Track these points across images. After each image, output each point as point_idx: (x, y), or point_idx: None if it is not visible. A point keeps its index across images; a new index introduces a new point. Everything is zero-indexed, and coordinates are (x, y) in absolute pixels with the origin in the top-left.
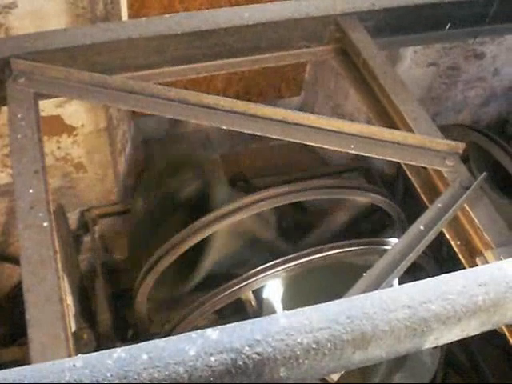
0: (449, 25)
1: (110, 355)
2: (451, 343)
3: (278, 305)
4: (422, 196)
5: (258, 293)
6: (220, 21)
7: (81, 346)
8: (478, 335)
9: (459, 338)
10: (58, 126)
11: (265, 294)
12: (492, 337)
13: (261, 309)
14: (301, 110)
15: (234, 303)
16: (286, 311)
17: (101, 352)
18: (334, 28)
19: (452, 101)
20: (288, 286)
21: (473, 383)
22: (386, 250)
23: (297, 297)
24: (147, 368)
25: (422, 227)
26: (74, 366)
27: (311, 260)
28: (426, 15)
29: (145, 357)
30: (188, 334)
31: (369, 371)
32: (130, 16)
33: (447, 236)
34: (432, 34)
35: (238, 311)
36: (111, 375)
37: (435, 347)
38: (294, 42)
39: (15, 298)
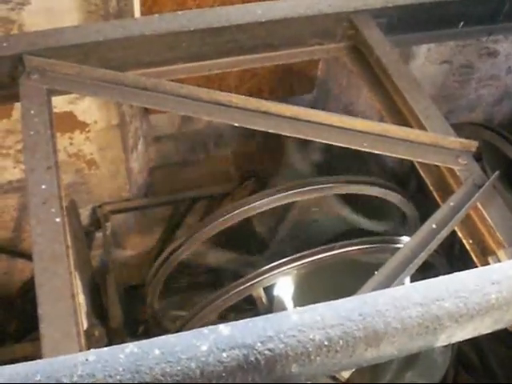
0: (462, 22)
1: (122, 350)
2: (462, 342)
3: (288, 302)
4: (435, 194)
5: (268, 290)
6: (232, 18)
7: (92, 342)
8: (489, 334)
9: (472, 336)
10: (71, 123)
11: (276, 292)
12: (503, 336)
13: (272, 306)
14: (313, 107)
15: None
16: (298, 308)
17: (113, 347)
18: (346, 25)
19: (465, 99)
20: (299, 283)
21: (483, 383)
22: (397, 248)
23: (307, 294)
24: (159, 363)
25: (434, 225)
26: (86, 360)
27: (322, 258)
28: (439, 13)
29: (157, 352)
30: (200, 329)
31: (379, 369)
32: (143, 13)
33: (459, 235)
34: (445, 32)
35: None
36: (123, 369)
37: (446, 346)
38: (307, 40)
39: (27, 293)
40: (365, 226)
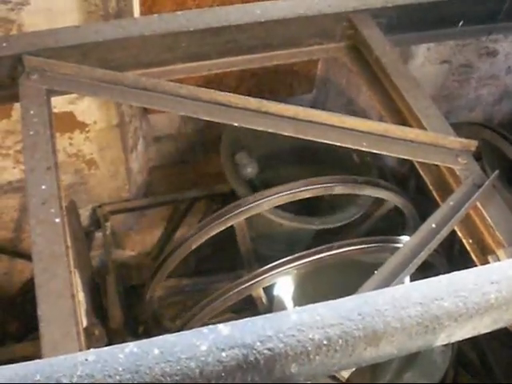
0: (462, 22)
1: (122, 350)
2: (462, 342)
3: (288, 302)
4: (434, 194)
5: (268, 290)
6: (232, 18)
7: (92, 342)
8: (488, 333)
9: (471, 335)
10: (71, 123)
11: (275, 291)
12: (503, 335)
13: (271, 306)
14: (313, 106)
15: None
16: (297, 307)
17: (113, 346)
18: (346, 25)
19: (465, 98)
20: (299, 283)
21: (483, 383)
22: (397, 248)
23: (307, 294)
24: (159, 363)
25: (433, 225)
26: (86, 360)
27: (322, 257)
28: (438, 12)
29: (156, 351)
30: (200, 329)
31: (379, 369)
32: (143, 13)
33: (459, 234)
34: (445, 32)
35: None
36: (123, 369)
37: (446, 345)
38: (306, 39)
39: (27, 293)
40: (319, 226)
